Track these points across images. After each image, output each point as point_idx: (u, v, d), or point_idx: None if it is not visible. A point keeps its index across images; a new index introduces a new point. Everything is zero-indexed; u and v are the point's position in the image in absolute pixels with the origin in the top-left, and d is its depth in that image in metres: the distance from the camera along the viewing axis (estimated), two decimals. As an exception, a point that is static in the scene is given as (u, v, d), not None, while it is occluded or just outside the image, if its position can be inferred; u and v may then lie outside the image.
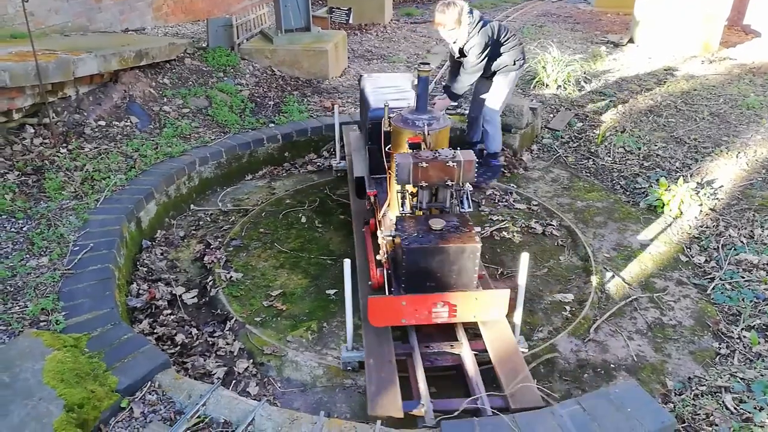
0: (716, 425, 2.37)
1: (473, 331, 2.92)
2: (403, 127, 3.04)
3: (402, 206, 2.90)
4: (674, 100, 6.32)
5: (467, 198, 2.91)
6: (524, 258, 2.61)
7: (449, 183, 2.76)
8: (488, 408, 2.39)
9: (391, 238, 2.85)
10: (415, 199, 2.88)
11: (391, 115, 3.19)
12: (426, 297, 2.61)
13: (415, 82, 3.07)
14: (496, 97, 4.61)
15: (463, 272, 2.66)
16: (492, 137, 4.72)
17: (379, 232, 2.88)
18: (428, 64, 3.05)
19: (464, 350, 2.75)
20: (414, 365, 2.68)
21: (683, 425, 2.39)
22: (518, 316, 2.78)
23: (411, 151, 2.86)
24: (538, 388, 2.52)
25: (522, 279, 2.66)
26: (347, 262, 2.56)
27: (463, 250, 2.60)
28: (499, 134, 4.77)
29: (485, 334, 2.81)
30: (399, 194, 2.89)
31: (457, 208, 2.90)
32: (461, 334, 2.83)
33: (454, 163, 2.71)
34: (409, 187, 2.84)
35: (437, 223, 2.68)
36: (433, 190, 2.88)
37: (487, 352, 2.76)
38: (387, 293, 2.91)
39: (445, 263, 2.63)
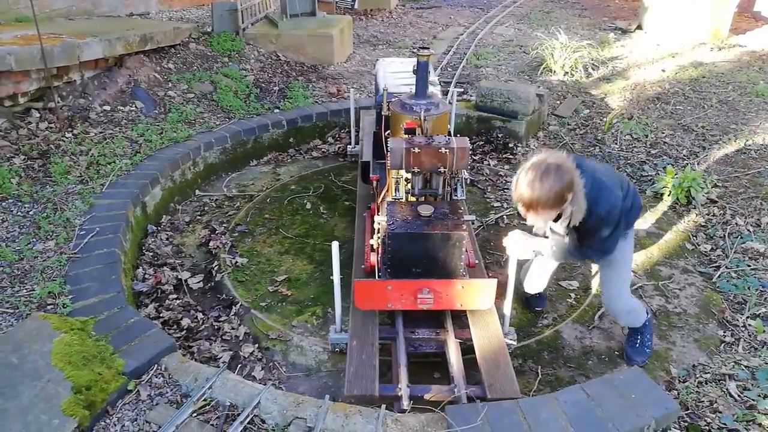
0: (720, 412, 2.38)
1: (466, 320, 2.88)
2: (401, 112, 3.02)
3: (396, 191, 2.88)
4: (682, 87, 6.26)
5: (461, 186, 2.88)
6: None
7: (442, 170, 2.73)
8: (464, 397, 2.38)
9: (382, 222, 2.84)
10: (409, 184, 2.87)
11: (392, 100, 3.18)
12: (411, 282, 2.60)
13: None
14: (621, 282, 2.84)
15: (448, 260, 2.63)
16: (632, 317, 2.92)
17: (376, 217, 2.88)
18: (428, 48, 3.01)
19: (449, 338, 2.73)
20: (396, 350, 2.68)
21: (687, 412, 2.39)
22: (507, 307, 2.75)
23: (406, 136, 2.84)
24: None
25: (512, 270, 2.62)
26: (335, 245, 2.57)
27: (448, 237, 2.57)
28: (637, 304, 2.92)
29: (472, 323, 2.79)
30: (394, 179, 2.87)
31: (451, 195, 2.87)
32: (448, 322, 2.81)
33: (447, 150, 2.66)
34: (404, 173, 2.81)
35: (426, 210, 2.65)
36: (426, 176, 2.85)
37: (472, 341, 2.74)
38: (377, 277, 2.91)
39: (429, 250, 2.60)
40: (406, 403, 2.36)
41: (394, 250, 2.62)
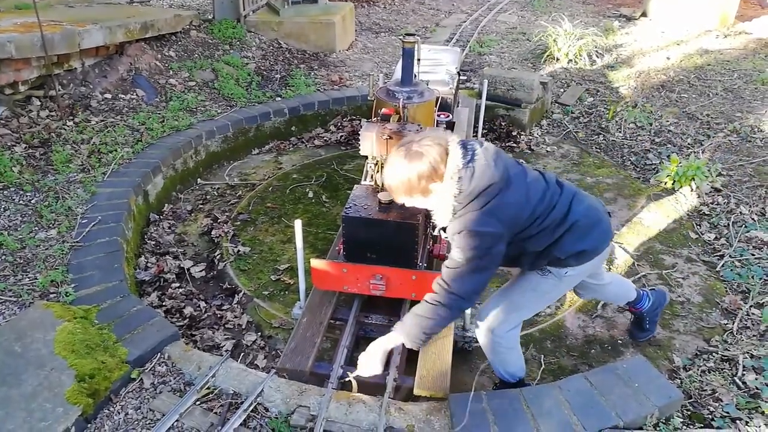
0: (723, 401, 2.37)
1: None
2: (384, 98, 2.99)
3: (366, 178, 2.87)
4: (687, 75, 6.21)
5: None
6: None
7: None
8: (389, 385, 2.33)
9: None
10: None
11: (380, 87, 3.16)
12: (366, 267, 2.60)
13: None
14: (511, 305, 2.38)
15: (401, 248, 2.61)
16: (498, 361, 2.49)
17: None
18: (413, 35, 2.98)
19: None
20: (344, 330, 2.69)
21: (690, 401, 2.39)
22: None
23: (380, 122, 2.82)
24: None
25: None
26: (298, 223, 2.58)
27: (399, 226, 2.54)
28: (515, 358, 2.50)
29: None
30: (368, 165, 2.86)
31: None
32: (403, 311, 2.77)
33: None
34: (379, 159, 2.78)
35: (386, 197, 2.60)
36: None
37: None
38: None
39: (382, 236, 2.59)
40: (331, 382, 2.36)
41: (348, 233, 2.63)
